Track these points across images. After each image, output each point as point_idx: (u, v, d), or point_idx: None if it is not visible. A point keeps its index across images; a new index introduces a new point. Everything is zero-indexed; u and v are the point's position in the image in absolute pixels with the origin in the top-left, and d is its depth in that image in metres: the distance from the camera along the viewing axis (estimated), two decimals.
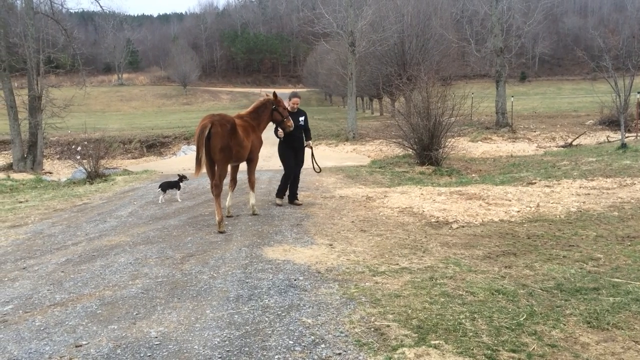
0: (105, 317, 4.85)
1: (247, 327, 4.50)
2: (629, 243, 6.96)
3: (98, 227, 8.80)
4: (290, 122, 9.34)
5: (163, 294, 5.41)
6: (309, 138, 10.07)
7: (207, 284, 5.65)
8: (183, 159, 22.65)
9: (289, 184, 10.02)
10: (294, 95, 10.08)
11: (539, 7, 33.13)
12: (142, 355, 4.08)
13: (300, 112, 9.94)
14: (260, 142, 9.44)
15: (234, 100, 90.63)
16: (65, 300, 5.36)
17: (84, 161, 15.82)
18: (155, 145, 32.23)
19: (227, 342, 4.23)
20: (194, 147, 27.51)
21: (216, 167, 8.22)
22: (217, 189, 8.19)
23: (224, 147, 8.05)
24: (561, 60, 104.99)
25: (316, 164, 10.44)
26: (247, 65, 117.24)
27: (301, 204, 9.93)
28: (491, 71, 32.76)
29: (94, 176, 15.11)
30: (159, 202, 10.74)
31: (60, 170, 25.32)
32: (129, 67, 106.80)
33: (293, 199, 10.13)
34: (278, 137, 9.70)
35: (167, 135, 33.38)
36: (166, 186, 10.84)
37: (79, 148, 16.33)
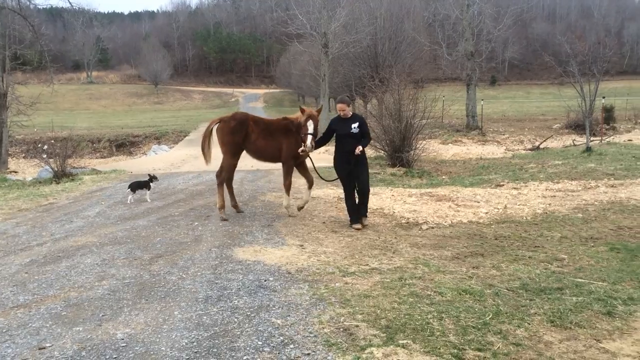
0: (70, 319, 4.76)
1: (216, 328, 4.48)
2: (592, 244, 7.13)
3: (64, 228, 8.63)
4: (307, 144, 8.01)
5: (130, 295, 5.34)
6: (365, 144, 8.15)
7: (175, 285, 5.59)
8: (154, 159, 22.39)
9: (357, 204, 8.26)
10: (339, 100, 8.37)
11: (508, 13, 33.72)
12: (107, 357, 4.02)
13: (355, 118, 8.23)
14: (296, 148, 8.43)
15: (206, 100, 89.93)
16: (28, 301, 5.25)
17: (51, 160, 15.49)
18: (125, 145, 31.79)
19: (195, 344, 4.20)
20: (165, 147, 27.19)
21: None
22: (217, 178, 9.12)
23: (224, 142, 8.82)
24: (530, 65, 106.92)
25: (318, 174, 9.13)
26: (219, 64, 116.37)
27: (360, 228, 8.06)
28: (462, 74, 33.25)
29: (60, 175, 14.80)
30: (128, 202, 10.59)
31: (25, 169, 24.76)
32: (99, 65, 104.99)
33: (362, 213, 8.31)
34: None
35: (138, 135, 32.96)
36: (136, 186, 10.69)
37: (46, 147, 16.00)
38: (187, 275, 5.90)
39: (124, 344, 4.22)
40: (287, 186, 8.89)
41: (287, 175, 8.83)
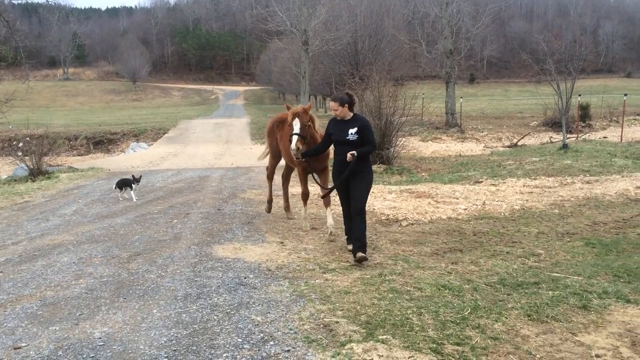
0: (47, 318, 4.70)
1: (195, 326, 4.45)
2: (568, 239, 7.25)
3: (40, 226, 8.50)
4: (291, 146, 6.80)
5: (108, 293, 5.28)
6: (363, 151, 6.29)
7: (154, 283, 5.54)
8: (132, 157, 22.13)
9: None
10: (331, 98, 6.65)
11: (487, 11, 34.00)
12: (84, 356, 3.97)
13: (355, 121, 6.43)
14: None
15: (185, 97, 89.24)
16: (3, 301, 5.16)
17: (26, 158, 15.22)
18: (103, 142, 31.32)
19: (174, 342, 4.17)
20: (144, 145, 26.81)
21: None
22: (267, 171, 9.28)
23: (267, 141, 9.04)
24: (508, 63, 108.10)
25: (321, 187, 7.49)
26: (199, 61, 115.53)
27: (365, 259, 6.13)
28: (441, 72, 33.44)
29: (36, 173, 14.56)
30: (120, 199, 10.60)
31: (0, 167, 24.30)
32: (75, 61, 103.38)
33: (354, 250, 6.21)
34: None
35: (116, 132, 32.49)
36: (122, 184, 10.57)
37: (21, 144, 15.65)
38: (166, 274, 5.86)
39: (102, 343, 4.17)
40: (302, 196, 7.94)
41: (300, 181, 7.94)
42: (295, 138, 6.79)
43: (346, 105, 6.38)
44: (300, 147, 6.78)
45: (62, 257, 6.63)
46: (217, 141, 26.15)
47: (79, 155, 29.07)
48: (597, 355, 3.96)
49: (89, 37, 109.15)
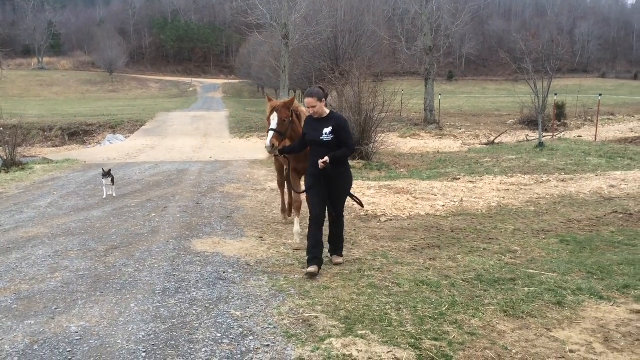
0: (22, 312, 4.62)
1: (174, 321, 4.42)
2: (544, 236, 7.37)
3: (14, 218, 8.34)
4: (266, 142, 6.20)
5: (85, 287, 5.22)
6: (337, 155, 5.62)
7: (132, 277, 5.49)
8: (109, 149, 21.83)
9: (330, 234, 6.06)
10: (307, 93, 5.90)
11: (466, 9, 34.27)
12: (61, 351, 3.92)
13: (330, 119, 5.79)
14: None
15: (163, 89, 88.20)
16: None
17: (0, 148, 14.92)
18: (78, 134, 30.76)
19: (152, 336, 4.14)
20: (120, 137, 26.45)
21: None
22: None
23: None
24: (486, 61, 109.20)
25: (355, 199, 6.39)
26: (177, 53, 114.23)
27: (341, 263, 5.96)
28: (420, 69, 33.66)
29: (10, 164, 14.27)
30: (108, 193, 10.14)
31: None
32: (51, 50, 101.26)
33: (333, 252, 6.10)
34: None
35: (92, 124, 31.96)
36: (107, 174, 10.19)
37: None
38: (144, 267, 5.81)
39: (79, 337, 4.12)
40: (293, 205, 7.12)
41: (293, 187, 6.89)
42: (270, 134, 6.11)
43: (323, 100, 5.76)
44: (276, 144, 6.11)
45: (37, 250, 6.52)
46: (195, 134, 25.94)
47: (53, 146, 28.53)
48: (571, 351, 4.04)
49: (64, 27, 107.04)
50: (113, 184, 10.17)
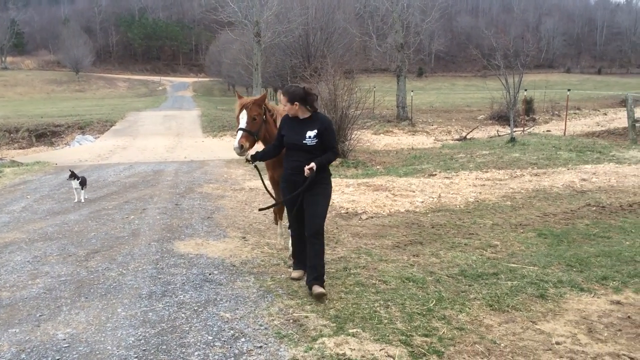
0: (5, 320, 4.52)
1: (163, 325, 4.38)
2: (522, 230, 7.52)
3: None
4: (234, 143, 5.51)
5: (68, 293, 5.12)
6: (323, 161, 5.04)
7: (116, 282, 5.41)
8: (79, 150, 21.39)
9: (306, 253, 5.17)
10: (283, 91, 5.38)
11: (436, 6, 34.61)
12: (49, 358, 3.86)
13: (315, 121, 5.14)
14: None
15: (131, 88, 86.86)
16: None
17: None
18: (46, 135, 30.05)
19: (142, 341, 4.09)
20: (90, 137, 25.87)
21: None
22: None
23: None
24: (455, 57, 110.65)
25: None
26: (145, 52, 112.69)
27: (323, 294, 4.89)
28: (391, 66, 33.88)
29: None
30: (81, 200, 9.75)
31: None
32: (14, 50, 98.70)
33: (310, 281, 5.03)
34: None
35: (59, 124, 31.26)
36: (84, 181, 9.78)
37: None
38: (128, 271, 5.73)
39: (67, 345, 4.05)
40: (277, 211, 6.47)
41: (273, 190, 6.21)
42: (239, 134, 5.44)
43: (296, 103, 5.05)
44: (246, 145, 5.43)
45: (15, 255, 6.37)
46: (167, 134, 25.62)
47: (20, 148, 27.81)
48: (558, 343, 4.15)
49: (28, 25, 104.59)
50: (83, 188, 9.71)
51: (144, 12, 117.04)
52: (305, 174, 4.94)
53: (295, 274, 5.43)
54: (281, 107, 5.29)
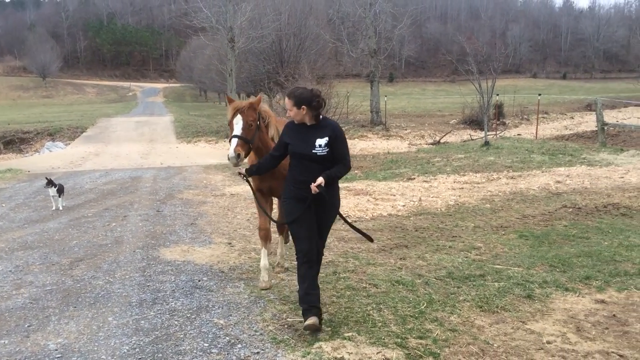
0: None
1: (157, 333, 4.34)
2: (503, 232, 7.66)
3: None
4: (229, 152, 4.85)
5: (55, 302, 5.03)
6: (332, 175, 4.48)
7: (104, 290, 5.33)
8: (50, 157, 20.96)
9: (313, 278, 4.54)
10: (287, 94, 4.72)
11: (407, 13, 35.03)
12: None
13: (324, 127, 4.56)
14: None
15: (100, 94, 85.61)
16: None
17: None
18: (14, 142, 29.37)
19: (137, 350, 4.05)
20: (60, 144, 25.33)
21: None
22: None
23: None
24: (425, 63, 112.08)
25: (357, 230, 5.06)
26: (114, 57, 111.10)
27: (318, 329, 4.32)
28: (363, 71, 34.15)
29: None
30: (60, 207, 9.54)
31: None
32: None
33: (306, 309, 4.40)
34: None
35: (28, 131, 30.59)
36: (61, 189, 9.58)
37: None
38: (115, 279, 5.65)
39: (59, 355, 3.98)
40: (258, 232, 5.68)
41: (258, 209, 5.71)
42: (234, 142, 4.86)
43: (304, 107, 4.46)
44: (242, 154, 4.88)
45: None
46: (140, 140, 25.32)
47: None
48: (548, 342, 4.24)
49: None
50: (60, 196, 9.52)
51: (112, 18, 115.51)
52: (312, 191, 4.35)
53: (310, 321, 4.27)
54: (291, 114, 4.57)
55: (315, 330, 4.29)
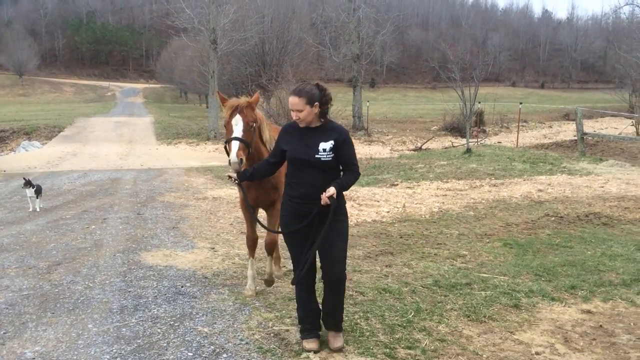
0: None
1: (139, 341, 4.20)
2: (487, 240, 7.66)
3: None
4: (231, 155, 4.43)
5: (32, 308, 4.85)
6: (343, 185, 4.00)
7: (83, 295, 5.17)
8: (26, 156, 20.55)
9: (324, 302, 4.26)
10: (292, 91, 4.09)
11: (390, 19, 35.24)
12: None
13: (329, 130, 4.03)
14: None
15: (79, 93, 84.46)
16: None
17: None
18: None
19: (118, 359, 3.91)
20: (37, 144, 24.89)
21: None
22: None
23: None
24: (406, 69, 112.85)
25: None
26: (93, 56, 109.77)
27: (341, 348, 4.08)
28: (345, 76, 34.24)
29: None
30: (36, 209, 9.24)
31: None
32: None
33: (329, 325, 4.18)
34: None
35: (3, 130, 30.01)
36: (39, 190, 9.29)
37: None
38: (95, 284, 5.48)
39: None
40: (246, 241, 5.43)
41: (246, 219, 5.44)
42: (236, 145, 4.42)
43: (317, 104, 3.93)
44: (244, 159, 4.45)
45: None
46: (119, 141, 24.99)
47: None
48: (537, 353, 4.21)
49: None
50: (38, 197, 9.25)
51: (92, 16, 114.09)
52: (323, 202, 3.82)
53: (310, 344, 4.06)
54: (294, 114, 3.97)
55: (316, 352, 4.02)
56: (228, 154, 4.48)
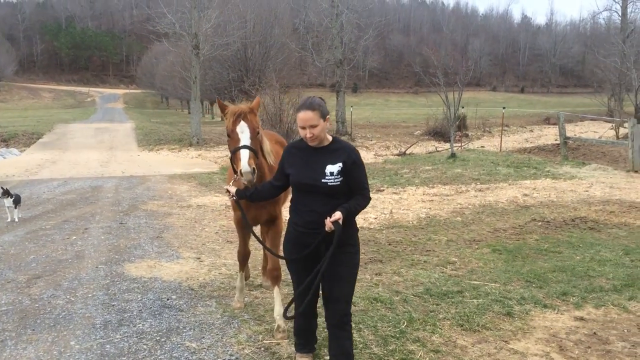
0: None
1: (124, 358, 4.05)
2: (476, 246, 7.61)
3: None
4: (241, 165, 4.00)
5: (11, 325, 4.66)
6: (352, 210, 3.53)
7: (65, 310, 4.99)
8: (3, 164, 20.01)
9: (313, 329, 4.10)
10: (302, 105, 3.56)
11: (373, 24, 35.31)
12: None
13: (337, 150, 3.58)
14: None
15: (57, 99, 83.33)
16: None
17: None
18: None
19: None
20: (15, 151, 24.24)
21: None
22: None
23: None
24: (388, 74, 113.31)
25: None
26: (73, 61, 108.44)
27: None
28: (327, 81, 34.21)
29: None
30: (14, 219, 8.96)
31: None
32: None
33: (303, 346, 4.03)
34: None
35: None
36: (18, 199, 8.99)
37: None
38: (76, 298, 5.30)
39: None
40: (237, 255, 5.22)
41: (240, 238, 5.16)
42: (245, 154, 4.03)
43: (328, 118, 3.58)
44: (256, 169, 4.08)
45: None
46: (100, 147, 24.55)
47: None
48: None
49: None
50: (16, 206, 8.97)
51: (71, 21, 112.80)
52: (327, 228, 3.41)
53: (304, 359, 3.96)
54: (307, 132, 3.48)
55: None
56: (233, 166, 4.18)
